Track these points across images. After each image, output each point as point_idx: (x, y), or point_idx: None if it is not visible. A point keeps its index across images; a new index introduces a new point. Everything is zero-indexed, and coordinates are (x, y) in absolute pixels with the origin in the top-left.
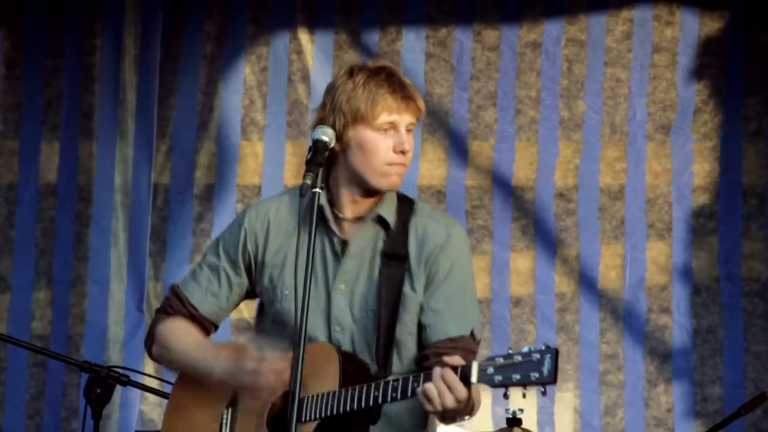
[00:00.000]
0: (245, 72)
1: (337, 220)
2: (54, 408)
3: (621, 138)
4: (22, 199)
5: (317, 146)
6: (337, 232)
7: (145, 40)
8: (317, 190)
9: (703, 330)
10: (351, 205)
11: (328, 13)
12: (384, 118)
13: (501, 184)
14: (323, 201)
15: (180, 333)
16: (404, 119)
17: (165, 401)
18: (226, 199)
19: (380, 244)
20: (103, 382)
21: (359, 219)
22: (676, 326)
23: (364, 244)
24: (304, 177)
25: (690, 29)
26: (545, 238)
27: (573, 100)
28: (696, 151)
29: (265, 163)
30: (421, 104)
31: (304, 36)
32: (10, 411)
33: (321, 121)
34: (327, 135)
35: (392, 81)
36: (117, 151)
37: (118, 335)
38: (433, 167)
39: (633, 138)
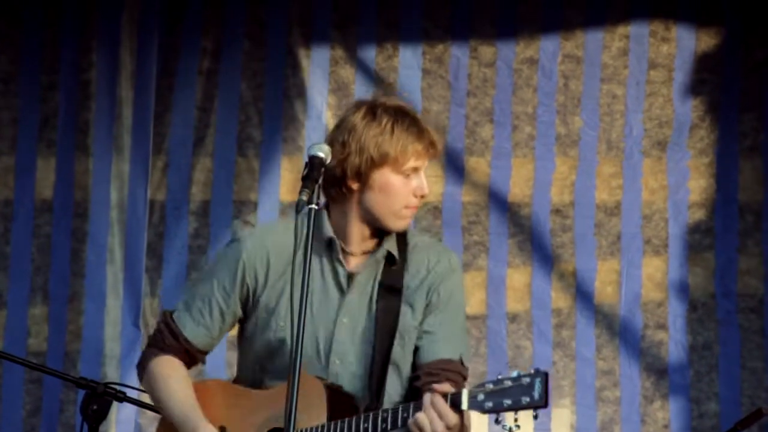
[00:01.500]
0: (241, 88)
1: (344, 253)
2: (50, 424)
3: (617, 154)
4: (18, 215)
5: (313, 162)
6: (344, 264)
7: (141, 55)
8: (313, 206)
9: (699, 346)
10: (360, 241)
11: (324, 28)
12: (411, 163)
13: (497, 200)
14: (331, 233)
15: (167, 382)
16: (425, 163)
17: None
18: (223, 215)
19: (379, 276)
20: (100, 399)
21: (366, 253)
22: (672, 342)
23: (367, 277)
24: (300, 193)
25: (686, 45)
26: (541, 254)
27: (569, 116)
28: (692, 167)
29: (261, 179)
30: (441, 146)
31: (300, 51)
32: (6, 428)
33: (341, 162)
34: (323, 151)
35: (418, 125)
36: (113, 167)
37: (114, 351)
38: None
39: (629, 154)
